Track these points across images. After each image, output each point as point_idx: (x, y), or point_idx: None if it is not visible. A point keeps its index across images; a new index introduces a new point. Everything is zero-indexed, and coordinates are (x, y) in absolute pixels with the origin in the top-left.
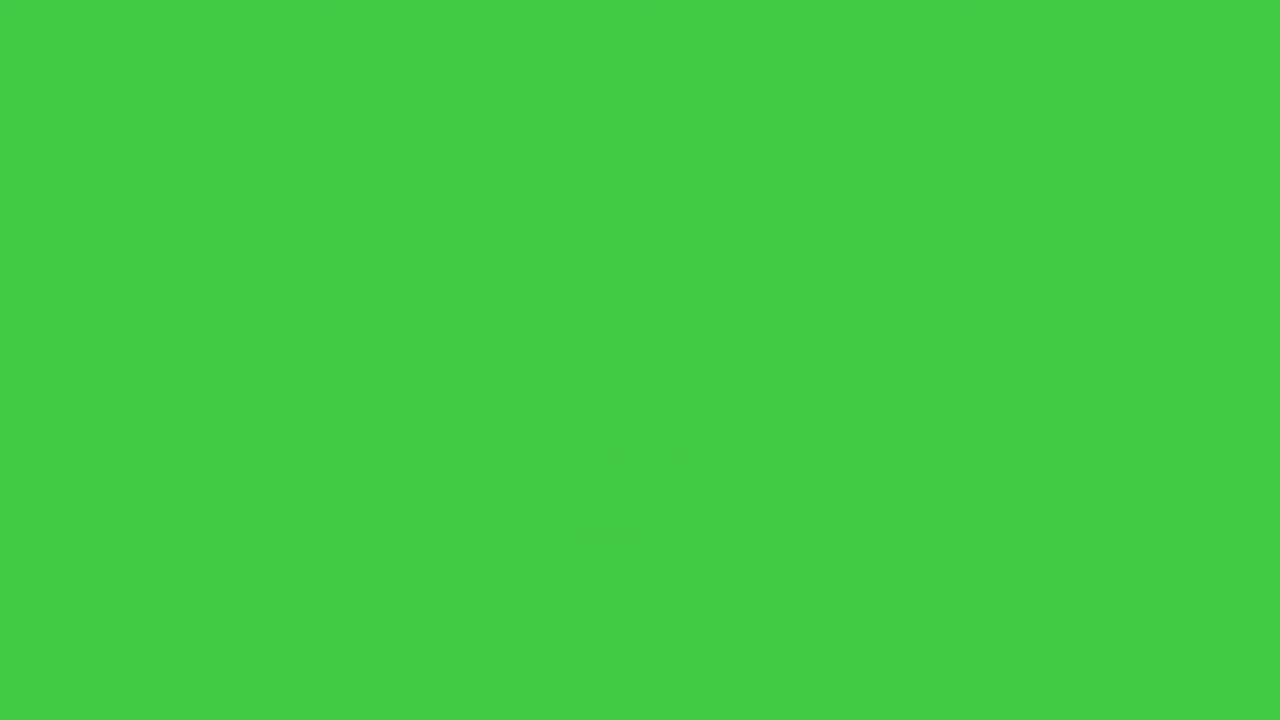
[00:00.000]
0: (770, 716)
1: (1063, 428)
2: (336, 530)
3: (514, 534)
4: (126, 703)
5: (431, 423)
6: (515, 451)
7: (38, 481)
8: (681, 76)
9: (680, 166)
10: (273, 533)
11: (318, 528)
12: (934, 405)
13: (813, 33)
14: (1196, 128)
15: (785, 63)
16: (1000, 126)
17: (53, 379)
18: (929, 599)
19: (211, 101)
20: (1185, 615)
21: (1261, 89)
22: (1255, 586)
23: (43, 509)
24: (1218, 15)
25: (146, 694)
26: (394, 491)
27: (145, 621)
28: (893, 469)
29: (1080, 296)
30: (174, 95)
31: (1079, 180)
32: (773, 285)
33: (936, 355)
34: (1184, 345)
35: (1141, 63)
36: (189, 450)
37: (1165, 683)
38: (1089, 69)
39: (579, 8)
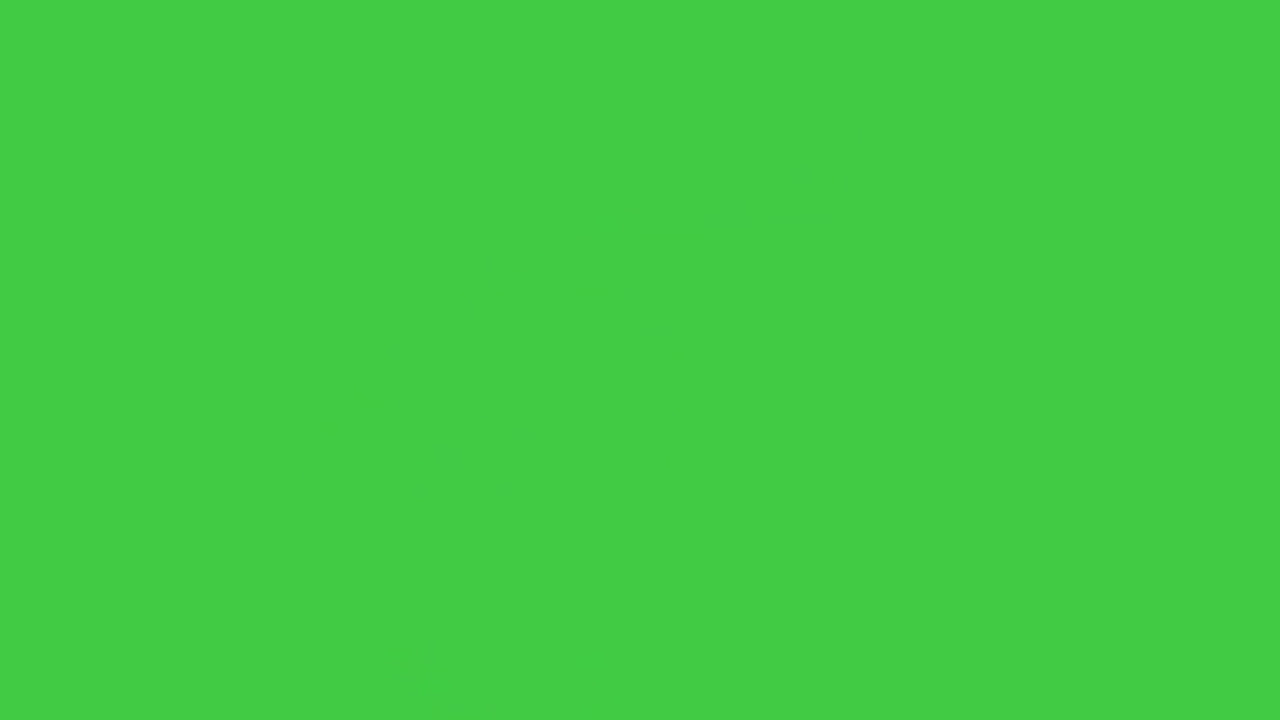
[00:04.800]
0: (770, 716)
1: (1062, 428)
2: (336, 530)
3: (515, 534)
4: (127, 703)
5: (431, 424)
6: (516, 452)
7: (38, 481)
8: (681, 77)
9: (681, 167)
10: (272, 533)
11: (317, 528)
12: (934, 405)
13: (812, 33)
14: (1196, 128)
15: (784, 63)
16: (1000, 126)
17: (53, 379)
18: (929, 599)
19: (212, 102)
20: (1185, 615)
21: (1262, 89)
22: (1255, 586)
23: (43, 509)
24: (1218, 15)
25: (147, 694)
26: (393, 492)
27: (145, 621)
28: (893, 469)
29: (1080, 297)
30: (174, 95)
31: (1079, 180)
32: (773, 285)
33: (936, 355)
34: (1184, 345)
35: (1141, 63)
36: (189, 451)
37: (1165, 682)
38: (1089, 69)
39: (579, 8)
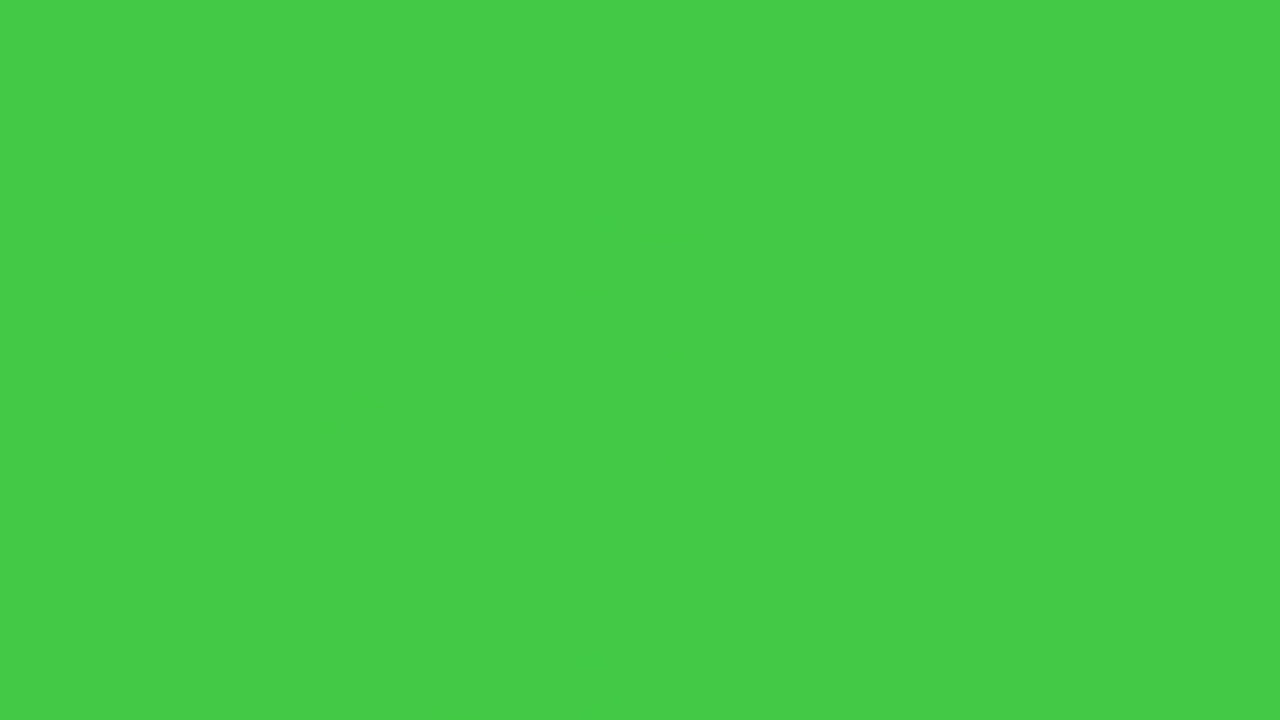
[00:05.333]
0: (770, 716)
1: (1062, 428)
2: (336, 531)
3: (514, 535)
4: (126, 703)
5: (431, 424)
6: (515, 453)
7: (38, 482)
8: (682, 78)
9: (682, 168)
10: (273, 534)
11: (318, 528)
12: (934, 406)
13: (813, 35)
14: (1196, 128)
15: (785, 65)
16: (1000, 127)
17: (53, 380)
18: (929, 599)
19: (211, 102)
20: (1185, 615)
21: (1261, 89)
22: (1255, 586)
23: (43, 509)
24: (1218, 16)
25: (146, 694)
26: (394, 492)
27: (145, 622)
28: (892, 470)
29: (1080, 296)
30: (174, 96)
31: (1079, 181)
32: (774, 286)
33: (936, 357)
34: (1184, 345)
35: (1141, 63)
36: (189, 451)
37: (1164, 681)
38: (1089, 69)
39: (579, 8)
